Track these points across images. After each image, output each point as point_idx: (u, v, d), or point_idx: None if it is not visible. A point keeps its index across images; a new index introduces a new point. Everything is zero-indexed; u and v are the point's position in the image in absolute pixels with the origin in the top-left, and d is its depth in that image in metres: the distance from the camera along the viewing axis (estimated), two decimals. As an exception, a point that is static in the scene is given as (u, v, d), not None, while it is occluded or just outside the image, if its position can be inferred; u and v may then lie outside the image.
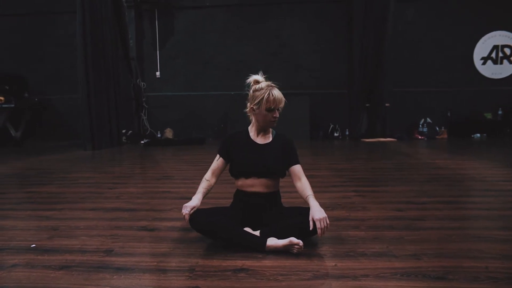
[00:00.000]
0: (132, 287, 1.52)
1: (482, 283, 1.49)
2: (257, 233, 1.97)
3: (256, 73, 2.10)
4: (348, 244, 1.97)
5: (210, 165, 2.19)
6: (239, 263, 1.74)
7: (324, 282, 1.55)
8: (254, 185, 2.06)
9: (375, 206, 2.75)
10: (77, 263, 1.78)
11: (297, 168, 2.09)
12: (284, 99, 2.03)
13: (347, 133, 9.09)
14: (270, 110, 2.00)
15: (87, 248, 1.99)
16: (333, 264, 1.72)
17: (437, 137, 8.76)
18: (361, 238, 2.06)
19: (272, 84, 2.06)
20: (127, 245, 2.01)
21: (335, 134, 9.07)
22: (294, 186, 2.08)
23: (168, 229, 2.28)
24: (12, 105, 8.39)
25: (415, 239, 2.02)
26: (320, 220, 1.81)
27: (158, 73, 9.51)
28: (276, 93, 2.00)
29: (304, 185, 2.03)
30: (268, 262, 1.75)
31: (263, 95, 1.99)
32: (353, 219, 2.43)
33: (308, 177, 2.12)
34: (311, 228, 1.84)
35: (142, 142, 8.58)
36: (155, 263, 1.77)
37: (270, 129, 2.17)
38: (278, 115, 2.03)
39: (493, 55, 8.84)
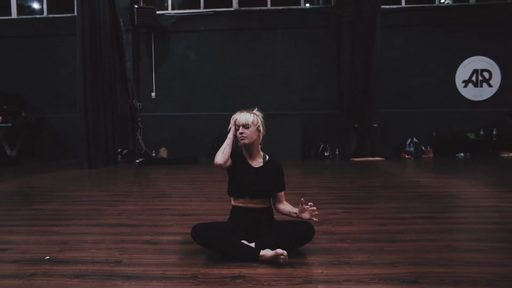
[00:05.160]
0: (142, 292, 1.73)
1: (447, 285, 1.73)
2: (252, 245, 2.19)
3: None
4: (333, 254, 2.20)
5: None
6: (236, 271, 1.95)
7: (312, 286, 1.77)
8: (249, 202, 2.30)
9: (360, 221, 2.98)
10: (90, 272, 1.97)
11: (282, 194, 2.41)
12: (248, 120, 2.26)
13: (337, 152, 9.38)
14: (237, 128, 2.29)
15: (97, 259, 2.18)
16: (320, 271, 1.95)
17: (423, 156, 9.09)
18: (345, 250, 2.28)
19: (252, 111, 2.33)
20: (134, 257, 2.21)
21: (326, 154, 9.35)
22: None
23: (170, 243, 2.48)
24: (9, 124, 8.55)
25: (394, 250, 2.26)
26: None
27: (153, 94, 9.78)
28: (240, 115, 2.30)
29: (287, 206, 2.38)
30: (262, 270, 1.96)
31: (234, 115, 2.33)
32: (339, 233, 2.65)
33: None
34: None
35: (137, 161, 8.75)
36: (161, 272, 1.97)
37: (261, 153, 2.41)
38: (243, 132, 2.26)
39: (474, 78, 9.32)
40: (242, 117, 2.29)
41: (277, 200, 2.41)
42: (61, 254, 2.28)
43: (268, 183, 2.32)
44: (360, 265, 2.01)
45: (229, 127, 2.32)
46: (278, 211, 2.42)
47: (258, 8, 9.66)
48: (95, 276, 1.92)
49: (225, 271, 1.96)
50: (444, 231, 2.71)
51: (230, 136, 2.30)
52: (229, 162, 2.29)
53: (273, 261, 2.04)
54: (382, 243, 2.40)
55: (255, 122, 2.29)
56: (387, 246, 2.32)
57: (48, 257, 2.22)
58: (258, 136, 2.33)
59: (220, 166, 2.24)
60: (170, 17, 9.60)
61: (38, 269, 2.02)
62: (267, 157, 2.42)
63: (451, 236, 2.59)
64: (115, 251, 2.31)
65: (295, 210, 2.28)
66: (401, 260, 2.07)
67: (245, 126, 2.27)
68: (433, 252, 2.20)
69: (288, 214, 2.33)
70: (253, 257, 2.09)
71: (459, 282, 1.75)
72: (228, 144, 2.27)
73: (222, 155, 2.23)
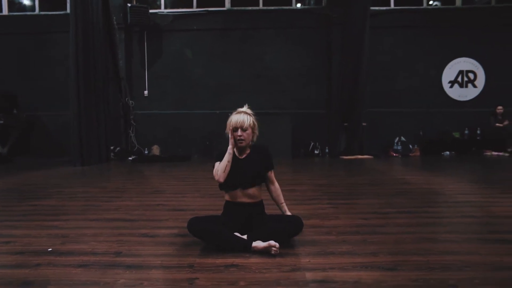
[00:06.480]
0: (143, 279, 1.86)
1: (422, 272, 1.90)
2: (245, 237, 2.33)
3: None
4: (320, 246, 2.36)
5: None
6: (230, 260, 2.10)
7: (299, 273, 1.93)
8: (240, 196, 2.42)
9: (346, 215, 3.16)
10: (92, 263, 2.10)
11: (272, 174, 2.55)
12: (244, 122, 2.35)
13: (327, 150, 9.59)
14: (234, 130, 2.39)
15: (98, 251, 2.31)
16: (307, 260, 2.11)
17: (410, 154, 9.35)
18: (331, 241, 2.45)
19: (243, 110, 2.42)
20: (133, 248, 2.35)
21: (316, 152, 9.55)
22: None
23: (166, 236, 2.62)
24: (1, 122, 8.55)
25: (376, 241, 2.43)
26: None
27: (146, 92, 9.85)
28: (236, 117, 2.38)
29: (277, 191, 2.56)
30: (254, 260, 2.12)
31: (229, 119, 2.42)
32: (325, 226, 2.82)
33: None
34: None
35: (129, 158, 8.83)
36: (159, 262, 2.12)
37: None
38: (242, 135, 2.36)
39: (459, 79, 9.62)
40: (239, 119, 2.36)
41: (268, 181, 2.56)
42: (63, 247, 2.40)
43: (257, 166, 2.44)
44: (344, 255, 2.18)
45: (225, 131, 2.42)
46: (270, 192, 2.58)
47: (250, 8, 9.79)
48: (97, 266, 2.05)
49: (220, 260, 2.10)
50: (424, 224, 2.89)
51: (230, 151, 2.36)
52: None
53: (264, 252, 2.19)
54: (365, 235, 2.57)
55: (251, 125, 2.41)
56: (369, 238, 2.49)
57: (50, 249, 2.33)
58: (253, 136, 2.47)
59: (220, 182, 2.38)
60: (163, 16, 9.68)
61: (43, 260, 2.15)
62: (252, 144, 2.52)
63: (430, 229, 2.77)
64: (114, 243, 2.44)
65: (285, 211, 2.55)
66: (382, 250, 2.24)
67: (243, 129, 2.37)
68: (411, 243, 2.38)
69: (277, 205, 2.58)
70: (245, 249, 2.23)
71: (433, 269, 1.93)
72: (229, 161, 2.35)
73: (223, 174, 2.35)
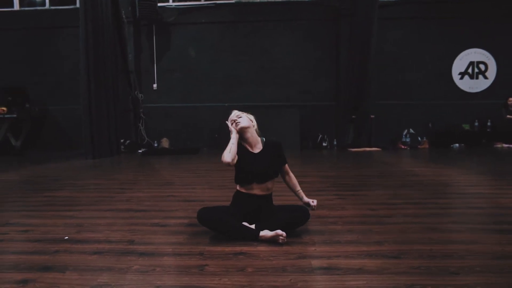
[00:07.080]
0: (156, 266, 1.95)
1: (424, 259, 1.95)
2: (253, 226, 2.41)
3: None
4: (326, 235, 2.42)
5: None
6: (238, 249, 2.18)
7: (305, 260, 2.00)
8: (255, 188, 2.50)
9: (353, 206, 3.21)
10: (106, 250, 2.20)
11: (286, 166, 2.67)
12: (237, 111, 2.60)
13: (335, 143, 9.60)
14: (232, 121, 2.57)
15: (112, 239, 2.41)
16: (313, 248, 2.18)
17: (419, 147, 9.31)
18: (337, 231, 2.51)
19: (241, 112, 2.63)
20: (145, 237, 2.44)
21: (324, 144, 9.57)
22: (286, 191, 2.66)
23: (177, 225, 2.71)
24: (14, 115, 8.73)
25: (381, 231, 2.48)
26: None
27: (155, 85, 9.95)
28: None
29: (293, 180, 2.67)
30: (262, 248, 2.19)
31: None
32: (332, 216, 2.88)
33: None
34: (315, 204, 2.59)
35: (139, 151, 8.97)
36: (171, 249, 2.20)
37: (259, 138, 2.62)
38: (236, 119, 2.53)
39: (470, 70, 9.51)
40: (233, 111, 2.61)
41: (284, 173, 2.67)
42: (78, 235, 2.50)
43: (272, 161, 2.53)
44: (349, 244, 2.24)
45: (230, 130, 2.55)
46: (286, 183, 2.70)
47: (258, 0, 9.77)
48: (111, 253, 2.14)
49: (229, 248, 2.18)
50: (430, 215, 2.93)
51: (234, 136, 2.49)
52: (236, 158, 2.47)
53: (272, 241, 2.26)
54: (371, 225, 2.62)
55: (243, 112, 2.61)
56: (375, 228, 2.55)
57: (67, 237, 2.44)
58: (252, 125, 2.56)
59: (228, 164, 2.41)
60: (171, 9, 9.72)
61: (60, 247, 2.25)
62: (264, 139, 2.63)
63: (436, 219, 2.81)
64: (127, 233, 2.54)
65: (302, 197, 2.63)
66: (387, 240, 2.29)
67: (237, 115, 2.56)
68: (416, 233, 2.42)
69: (294, 192, 2.67)
70: (253, 238, 2.31)
71: (435, 257, 1.98)
72: (233, 143, 2.45)
73: (229, 154, 2.42)
